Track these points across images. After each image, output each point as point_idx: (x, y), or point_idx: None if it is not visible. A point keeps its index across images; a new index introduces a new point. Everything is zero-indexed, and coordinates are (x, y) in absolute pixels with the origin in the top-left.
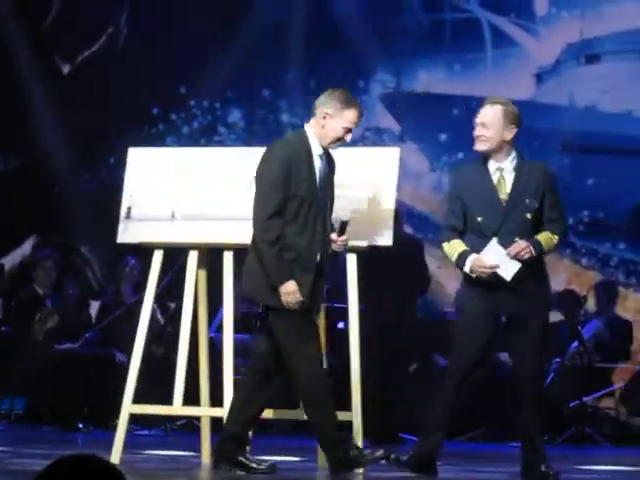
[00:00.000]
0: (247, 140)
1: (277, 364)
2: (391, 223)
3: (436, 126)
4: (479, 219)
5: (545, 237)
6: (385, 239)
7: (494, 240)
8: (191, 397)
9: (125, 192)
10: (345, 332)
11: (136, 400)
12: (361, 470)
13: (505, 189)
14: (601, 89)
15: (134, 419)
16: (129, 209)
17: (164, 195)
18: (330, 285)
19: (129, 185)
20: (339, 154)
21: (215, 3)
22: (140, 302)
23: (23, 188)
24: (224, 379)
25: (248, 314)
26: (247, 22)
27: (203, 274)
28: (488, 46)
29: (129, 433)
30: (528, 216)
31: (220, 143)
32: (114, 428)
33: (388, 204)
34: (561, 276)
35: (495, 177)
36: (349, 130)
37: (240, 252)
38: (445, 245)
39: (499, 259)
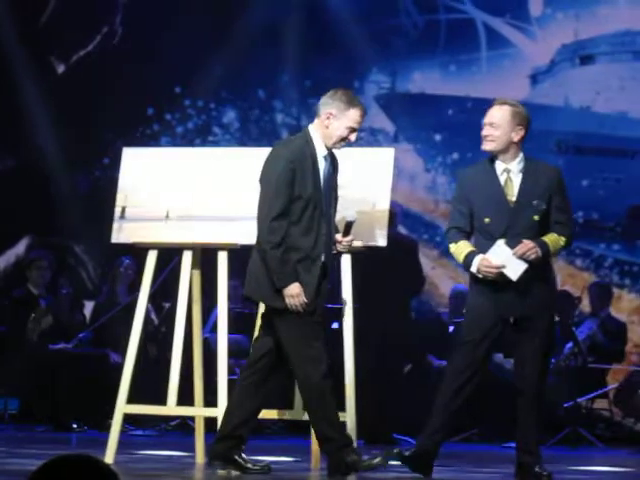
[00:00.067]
0: (242, 140)
1: (275, 364)
2: (386, 224)
3: (431, 127)
4: (486, 220)
5: (552, 238)
6: (380, 240)
7: (501, 240)
8: (185, 397)
9: (119, 192)
10: (339, 332)
11: (130, 400)
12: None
13: (512, 190)
14: (596, 90)
15: (128, 419)
16: (123, 209)
17: (158, 195)
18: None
19: (123, 185)
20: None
21: (210, 3)
22: (134, 302)
23: (17, 188)
24: (218, 379)
25: (242, 314)
26: (242, 22)
27: (197, 274)
28: (483, 47)
29: (123, 433)
30: (535, 218)
31: (215, 143)
32: (108, 428)
33: (383, 205)
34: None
35: (502, 178)
36: (353, 130)
37: (234, 252)
38: (452, 246)
39: (505, 259)
